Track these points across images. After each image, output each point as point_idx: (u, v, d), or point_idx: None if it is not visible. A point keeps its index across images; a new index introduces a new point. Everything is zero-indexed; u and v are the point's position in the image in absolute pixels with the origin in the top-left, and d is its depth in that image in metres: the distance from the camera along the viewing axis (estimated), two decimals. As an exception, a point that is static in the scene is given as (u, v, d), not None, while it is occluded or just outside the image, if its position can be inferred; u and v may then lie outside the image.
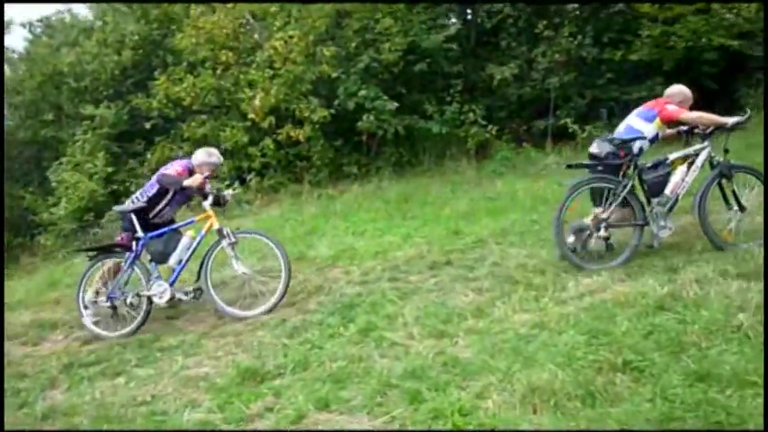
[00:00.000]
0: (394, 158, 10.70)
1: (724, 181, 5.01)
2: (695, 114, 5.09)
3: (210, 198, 5.21)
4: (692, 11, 10.03)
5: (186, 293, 5.21)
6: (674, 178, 5.01)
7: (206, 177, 5.28)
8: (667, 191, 4.98)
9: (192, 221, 5.45)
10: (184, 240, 5.26)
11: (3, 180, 10.80)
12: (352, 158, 10.78)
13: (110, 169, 11.04)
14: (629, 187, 4.90)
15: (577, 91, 11.10)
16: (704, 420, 2.52)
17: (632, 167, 4.96)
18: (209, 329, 4.93)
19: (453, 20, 12.40)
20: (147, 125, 11.41)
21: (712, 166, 5.02)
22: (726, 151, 5.06)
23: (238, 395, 3.51)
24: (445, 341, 3.87)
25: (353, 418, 3.10)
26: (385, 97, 10.18)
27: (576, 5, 11.07)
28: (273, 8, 11.12)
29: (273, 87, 10.23)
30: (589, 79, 11.13)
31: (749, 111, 5.25)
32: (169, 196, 5.42)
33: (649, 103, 5.26)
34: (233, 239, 5.09)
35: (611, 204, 4.89)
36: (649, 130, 5.06)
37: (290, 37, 10.39)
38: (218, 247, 5.14)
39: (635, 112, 5.24)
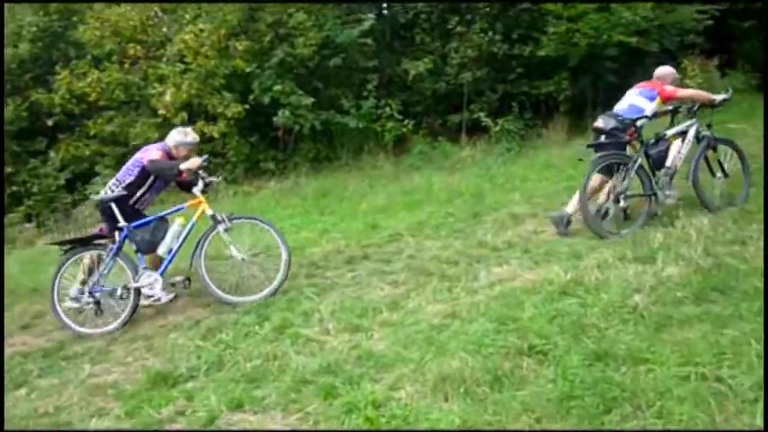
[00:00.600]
0: (311, 154, 10.62)
1: (710, 152, 5.66)
2: (691, 91, 6.01)
3: (201, 183, 5.03)
4: (594, 9, 10.52)
5: (175, 284, 4.99)
6: (672, 151, 5.58)
7: (183, 158, 5.10)
8: (668, 163, 5.54)
9: (181, 208, 5.20)
10: (174, 228, 5.04)
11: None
12: (268, 154, 10.62)
13: (9, 169, 10.41)
14: (639, 161, 5.36)
15: (490, 86, 11.40)
16: (601, 397, 2.67)
17: (639, 144, 5.45)
18: (119, 335, 4.75)
19: (369, 15, 12.44)
20: (50, 122, 10.81)
21: (699, 140, 5.63)
22: (709, 126, 5.71)
23: (149, 401, 3.40)
24: (360, 335, 3.90)
25: (267, 416, 3.08)
26: (300, 92, 10.08)
27: (486, 3, 11.33)
28: (183, 1, 10.80)
29: (185, 82, 9.93)
30: (500, 74, 11.45)
31: (731, 89, 5.96)
32: (150, 181, 5.13)
33: (645, 84, 5.78)
34: (228, 225, 4.93)
35: (624, 177, 5.29)
36: (651, 107, 5.56)
37: (201, 30, 10.09)
38: (213, 233, 4.95)
39: (635, 92, 5.75)
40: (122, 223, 4.97)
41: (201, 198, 5.04)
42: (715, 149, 5.71)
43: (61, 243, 5.19)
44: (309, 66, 10.57)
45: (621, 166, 5.30)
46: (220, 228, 4.92)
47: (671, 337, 3.19)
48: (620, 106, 5.70)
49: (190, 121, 10.01)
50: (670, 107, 5.71)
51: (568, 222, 5.51)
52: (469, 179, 8.44)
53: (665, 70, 5.89)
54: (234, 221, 5.01)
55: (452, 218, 6.49)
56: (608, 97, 11.40)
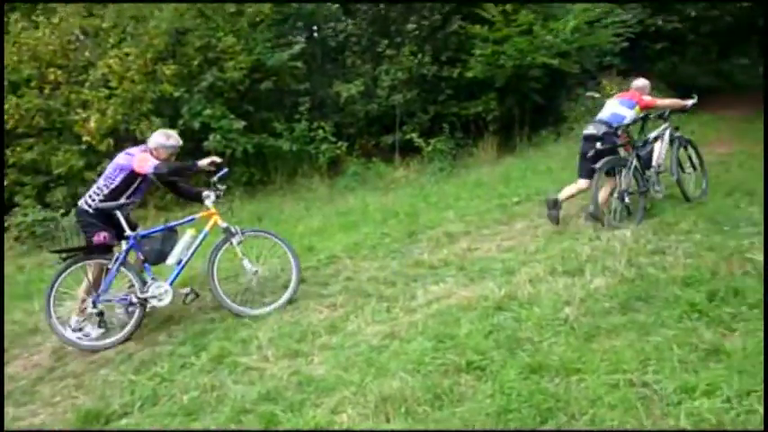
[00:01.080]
0: (245, 178, 10.50)
1: (681, 150, 6.51)
2: (668, 101, 6.73)
3: (213, 195, 5.02)
4: (518, 32, 10.95)
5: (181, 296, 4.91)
6: (656, 152, 6.34)
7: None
8: (654, 162, 6.27)
9: (191, 219, 5.15)
10: (185, 239, 4.97)
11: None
12: (200, 180, 10.39)
13: None
14: (634, 163, 5.94)
15: (421, 107, 11.65)
16: (536, 409, 2.75)
17: (632, 147, 6.09)
18: (45, 373, 4.51)
19: (299, 38, 12.51)
20: (-36, 151, 10.28)
21: (671, 142, 6.43)
22: (677, 128, 6.66)
23: (79, 441, 3.26)
24: (300, 360, 3.87)
25: (206, 449, 3.00)
26: (232, 116, 10.01)
27: (415, 26, 11.61)
28: (106, 24, 10.51)
29: (110, 107, 9.66)
30: (431, 95, 11.73)
31: (695, 95, 6.67)
32: (135, 185, 4.98)
33: (625, 94, 6.46)
34: (242, 238, 4.96)
35: (626, 177, 5.88)
36: (631, 115, 6.16)
37: (127, 54, 9.88)
38: (226, 245, 4.96)
39: (616, 101, 6.33)
40: (129, 232, 4.85)
41: (213, 210, 5.03)
42: (686, 148, 6.59)
43: (62, 251, 4.96)
44: (240, 89, 10.52)
45: (622, 168, 5.89)
46: (234, 240, 4.94)
47: (600, 346, 3.32)
48: (603, 114, 6.23)
49: (116, 148, 9.73)
50: (642, 115, 6.31)
51: (556, 203, 5.96)
52: (404, 199, 8.55)
53: (642, 82, 6.54)
54: (246, 234, 5.04)
55: (388, 238, 6.53)
56: (535, 116, 11.89)
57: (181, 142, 5.24)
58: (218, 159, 5.01)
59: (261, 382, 3.61)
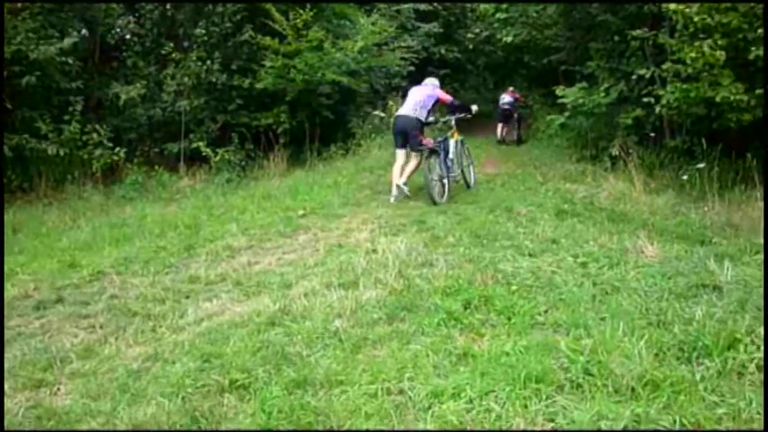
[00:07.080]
0: (-1, 184, 9.22)
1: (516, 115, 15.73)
2: (522, 99, 15.72)
3: (454, 119, 8.49)
4: (308, 48, 11.10)
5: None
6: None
7: None
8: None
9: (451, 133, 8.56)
10: (452, 142, 8.32)
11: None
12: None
13: None
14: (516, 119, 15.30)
15: (210, 115, 11.26)
16: (296, 425, 2.72)
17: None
18: None
19: (73, 32, 11.35)
20: None
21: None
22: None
23: None
24: (43, 391, 3.41)
25: None
26: (-17, 113, 8.74)
27: (204, 31, 11.19)
28: None
29: None
30: (220, 104, 11.39)
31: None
32: (432, 110, 8.22)
33: (510, 93, 15.18)
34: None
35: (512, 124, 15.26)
36: (512, 101, 14.92)
37: None
38: (465, 148, 8.88)
39: (509, 94, 15.07)
40: (441, 138, 8.18)
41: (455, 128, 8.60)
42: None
43: (428, 150, 7.84)
44: (-5, 83, 9.23)
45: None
46: (467, 146, 8.96)
47: (365, 357, 3.40)
48: (506, 100, 14.82)
49: None
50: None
51: (503, 140, 14.86)
52: (187, 210, 8.14)
53: (512, 88, 15.41)
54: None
55: (164, 252, 6.13)
56: (325, 131, 12.11)
57: None
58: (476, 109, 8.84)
59: (-10, 420, 3.11)
